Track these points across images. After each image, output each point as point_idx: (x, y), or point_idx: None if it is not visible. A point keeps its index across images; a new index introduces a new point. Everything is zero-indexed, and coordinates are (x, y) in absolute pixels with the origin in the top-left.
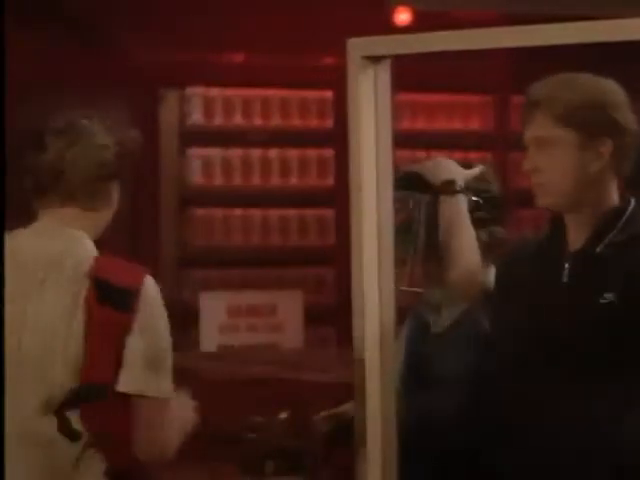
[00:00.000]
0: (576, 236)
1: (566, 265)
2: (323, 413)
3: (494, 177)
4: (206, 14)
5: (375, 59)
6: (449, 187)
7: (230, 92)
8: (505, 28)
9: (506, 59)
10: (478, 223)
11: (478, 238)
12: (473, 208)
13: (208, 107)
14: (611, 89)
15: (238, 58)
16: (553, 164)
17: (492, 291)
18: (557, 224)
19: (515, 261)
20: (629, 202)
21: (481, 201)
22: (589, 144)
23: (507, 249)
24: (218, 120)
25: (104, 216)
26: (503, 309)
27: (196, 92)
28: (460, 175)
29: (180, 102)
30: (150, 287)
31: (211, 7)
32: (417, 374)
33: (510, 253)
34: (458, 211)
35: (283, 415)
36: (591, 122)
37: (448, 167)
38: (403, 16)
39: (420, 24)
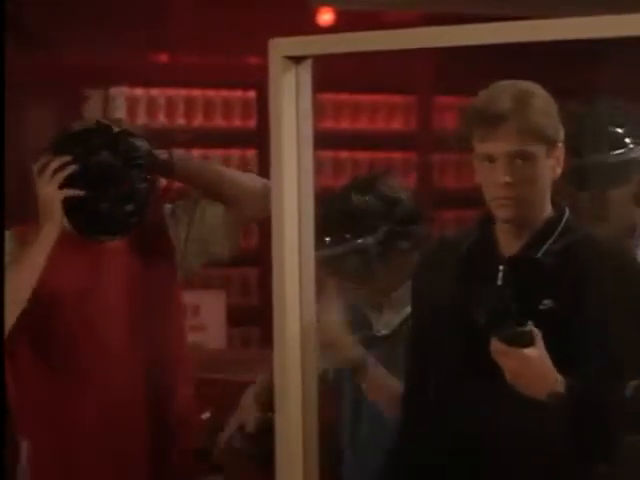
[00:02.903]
0: (508, 240)
1: (500, 267)
2: (256, 414)
3: (399, 184)
4: (130, 14)
5: (296, 59)
6: None
7: (154, 92)
8: (427, 29)
9: (429, 60)
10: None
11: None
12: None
13: (132, 107)
14: (546, 92)
15: (162, 58)
16: (526, 177)
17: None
18: (486, 227)
19: (439, 262)
20: (564, 211)
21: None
22: (551, 152)
23: (425, 250)
24: (142, 120)
25: None
26: (422, 312)
27: (120, 92)
28: None
29: (104, 102)
30: None
31: (135, 7)
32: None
33: (431, 253)
34: None
35: (206, 415)
36: (552, 130)
37: None
38: (326, 16)
39: (344, 24)
